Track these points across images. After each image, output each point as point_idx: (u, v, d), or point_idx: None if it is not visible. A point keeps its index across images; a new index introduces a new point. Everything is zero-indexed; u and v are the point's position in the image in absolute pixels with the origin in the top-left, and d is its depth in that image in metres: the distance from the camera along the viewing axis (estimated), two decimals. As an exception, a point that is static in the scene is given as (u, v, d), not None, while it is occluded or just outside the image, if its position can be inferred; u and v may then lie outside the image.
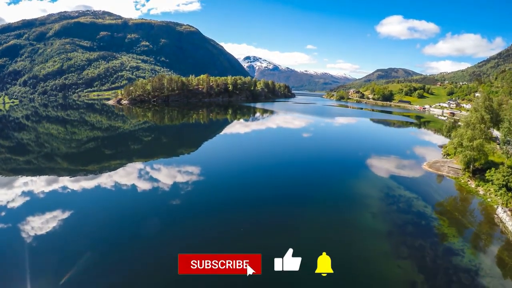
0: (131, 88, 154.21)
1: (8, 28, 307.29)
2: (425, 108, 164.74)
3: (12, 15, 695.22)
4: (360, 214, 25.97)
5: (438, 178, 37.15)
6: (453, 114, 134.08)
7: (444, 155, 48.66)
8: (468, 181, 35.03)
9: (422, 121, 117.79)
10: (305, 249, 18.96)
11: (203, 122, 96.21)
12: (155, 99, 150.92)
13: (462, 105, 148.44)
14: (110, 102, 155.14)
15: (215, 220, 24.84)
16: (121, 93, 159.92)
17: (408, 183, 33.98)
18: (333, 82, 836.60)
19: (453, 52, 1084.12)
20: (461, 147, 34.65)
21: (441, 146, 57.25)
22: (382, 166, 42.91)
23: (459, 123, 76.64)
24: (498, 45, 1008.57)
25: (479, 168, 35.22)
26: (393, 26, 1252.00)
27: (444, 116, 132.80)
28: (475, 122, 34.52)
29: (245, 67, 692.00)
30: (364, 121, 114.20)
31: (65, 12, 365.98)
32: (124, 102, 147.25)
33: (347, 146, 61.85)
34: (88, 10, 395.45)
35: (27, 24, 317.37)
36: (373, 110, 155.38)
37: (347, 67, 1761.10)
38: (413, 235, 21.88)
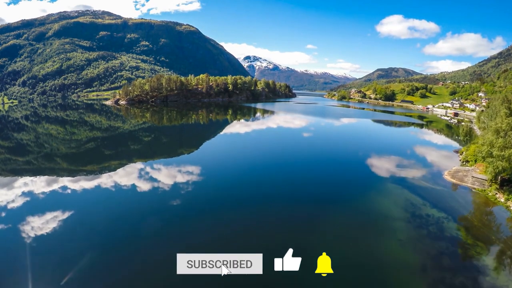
0: (129, 88, 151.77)
1: (8, 28, 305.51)
2: (428, 108, 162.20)
3: (12, 15, 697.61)
4: (381, 231, 23.01)
5: (463, 191, 33.82)
6: (456, 114, 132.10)
7: (463, 161, 45.27)
8: (496, 193, 31.70)
9: (425, 121, 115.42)
10: (305, 249, 18.96)
11: (203, 122, 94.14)
12: (153, 99, 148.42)
13: (465, 105, 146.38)
14: (108, 103, 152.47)
15: (214, 220, 24.58)
16: (119, 93, 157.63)
17: (433, 198, 30.58)
18: (334, 82, 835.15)
19: (454, 51, 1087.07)
20: (490, 157, 31.08)
21: (457, 151, 53.57)
22: (394, 171, 40.33)
23: (471, 125, 73.81)
24: (498, 45, 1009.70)
25: (507, 179, 31.90)
26: (393, 25, 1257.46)
27: (448, 116, 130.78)
28: (507, 129, 30.58)
29: (245, 67, 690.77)
30: (368, 121, 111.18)
31: (64, 12, 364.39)
32: (122, 102, 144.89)
33: (351, 147, 59.28)
34: (87, 10, 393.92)
35: (27, 24, 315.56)
36: (375, 110, 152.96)
37: (348, 66, 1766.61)
38: (452, 270, 18.92)
